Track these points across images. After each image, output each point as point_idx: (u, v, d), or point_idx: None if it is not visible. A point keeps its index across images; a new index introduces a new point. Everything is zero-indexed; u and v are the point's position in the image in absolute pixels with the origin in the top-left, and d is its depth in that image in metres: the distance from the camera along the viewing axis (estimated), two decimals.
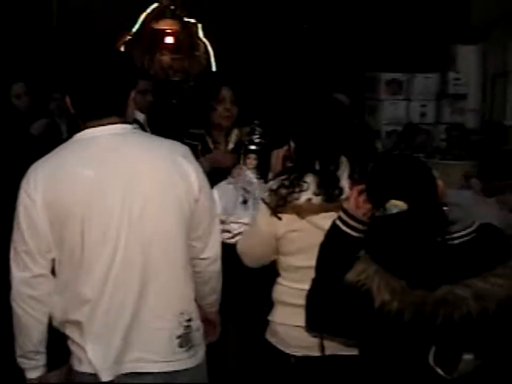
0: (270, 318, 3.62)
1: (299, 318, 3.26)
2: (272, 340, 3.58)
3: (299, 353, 3.46)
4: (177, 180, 3.02)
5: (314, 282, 3.05)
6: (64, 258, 2.98)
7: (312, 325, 3.11)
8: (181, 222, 3.04)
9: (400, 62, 10.51)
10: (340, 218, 3.06)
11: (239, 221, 4.01)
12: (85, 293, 2.94)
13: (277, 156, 3.75)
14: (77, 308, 2.96)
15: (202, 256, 3.22)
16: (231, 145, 4.99)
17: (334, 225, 3.08)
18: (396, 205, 2.82)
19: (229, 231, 3.98)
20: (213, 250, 3.25)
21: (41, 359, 3.10)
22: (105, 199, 2.92)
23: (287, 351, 3.50)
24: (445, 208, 2.85)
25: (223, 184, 4.24)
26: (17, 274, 3.00)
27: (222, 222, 3.87)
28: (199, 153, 4.77)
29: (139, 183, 2.95)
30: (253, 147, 4.57)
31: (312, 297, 3.02)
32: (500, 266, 2.69)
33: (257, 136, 4.53)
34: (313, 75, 9.77)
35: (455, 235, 2.73)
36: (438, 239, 2.71)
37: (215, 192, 4.21)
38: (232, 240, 3.90)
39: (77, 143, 3.04)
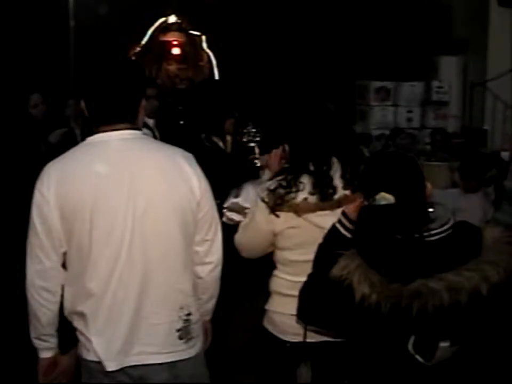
0: (266, 307, 3.59)
1: (294, 307, 3.29)
2: (269, 327, 3.56)
3: (294, 339, 3.43)
4: (179, 183, 2.98)
5: (309, 277, 3.00)
6: (73, 253, 2.94)
7: (302, 317, 3.07)
8: (181, 224, 2.98)
9: (388, 71, 10.54)
10: (339, 221, 3.02)
11: None
12: (91, 288, 2.92)
13: (274, 156, 3.76)
14: (83, 300, 2.95)
15: (206, 260, 3.15)
16: (229, 146, 5.10)
17: (333, 227, 3.03)
18: (385, 198, 2.78)
19: None
20: (216, 255, 3.18)
21: (53, 342, 3.08)
22: (110, 200, 2.88)
23: (283, 338, 3.48)
24: (430, 209, 2.84)
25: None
26: (31, 266, 2.98)
27: None
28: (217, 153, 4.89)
29: (142, 186, 2.91)
30: (252, 144, 4.66)
31: (305, 292, 2.98)
32: (472, 260, 2.67)
33: (255, 134, 4.64)
34: (307, 84, 9.78)
35: (432, 232, 2.73)
36: (416, 236, 2.72)
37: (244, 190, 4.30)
38: None
39: (88, 146, 3.00)
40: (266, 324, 3.60)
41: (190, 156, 3.10)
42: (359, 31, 10.84)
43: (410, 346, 2.68)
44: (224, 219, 4.24)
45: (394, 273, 2.64)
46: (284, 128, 3.63)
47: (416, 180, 2.88)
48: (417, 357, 2.69)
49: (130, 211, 2.90)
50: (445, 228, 2.74)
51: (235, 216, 4.34)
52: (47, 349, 3.10)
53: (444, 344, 2.68)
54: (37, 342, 3.10)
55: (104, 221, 2.89)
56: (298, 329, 3.38)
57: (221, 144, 5.05)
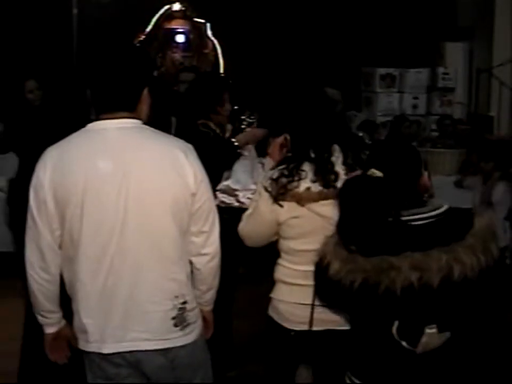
0: (271, 295, 3.59)
1: (297, 295, 3.31)
2: (273, 315, 3.55)
3: (298, 327, 3.44)
4: (173, 175, 2.96)
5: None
6: (66, 237, 2.97)
7: (319, 296, 3.12)
8: (175, 215, 2.97)
9: (394, 58, 10.51)
10: None
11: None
12: (80, 273, 2.96)
13: (275, 146, 3.73)
14: (74, 284, 2.99)
15: (203, 252, 3.12)
16: (227, 134, 5.10)
17: None
18: (374, 173, 2.82)
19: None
20: (213, 246, 3.14)
21: (55, 318, 3.12)
22: (101, 188, 2.90)
23: (287, 326, 3.47)
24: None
25: (241, 161, 4.41)
26: (28, 246, 3.02)
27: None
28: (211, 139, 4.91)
29: (135, 176, 2.91)
30: (243, 126, 4.71)
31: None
32: (452, 244, 2.65)
33: (251, 120, 4.69)
34: (312, 72, 9.74)
35: (416, 216, 2.73)
36: (389, 219, 2.69)
37: (234, 172, 4.31)
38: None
39: (87, 133, 3.00)
40: (271, 312, 3.60)
41: (189, 147, 3.08)
42: (364, 18, 10.81)
43: (394, 331, 2.68)
44: (216, 202, 4.28)
45: (360, 248, 2.65)
46: (283, 116, 3.62)
47: (409, 164, 2.89)
48: (403, 343, 2.68)
49: (122, 200, 2.91)
50: (433, 213, 2.73)
51: (226, 199, 4.38)
52: (48, 324, 3.15)
53: (430, 331, 2.66)
54: (38, 318, 3.15)
55: (95, 208, 2.91)
56: (302, 318, 3.40)
57: (218, 130, 5.04)
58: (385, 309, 2.68)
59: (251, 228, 3.57)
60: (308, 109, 3.53)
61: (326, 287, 2.78)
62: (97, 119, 3.01)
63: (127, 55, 3.08)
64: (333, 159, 3.43)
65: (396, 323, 2.67)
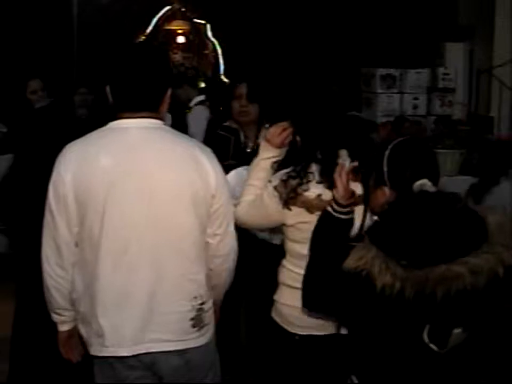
0: (275, 297, 3.53)
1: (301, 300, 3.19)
2: (277, 318, 3.49)
3: (302, 332, 3.38)
4: (194, 176, 2.96)
5: (309, 265, 2.95)
6: (85, 236, 2.95)
7: (307, 305, 3.01)
8: (195, 214, 2.98)
9: (394, 58, 10.53)
10: (331, 206, 2.96)
11: None
12: (99, 274, 2.93)
13: (275, 131, 3.55)
14: (92, 284, 2.95)
15: (217, 253, 3.14)
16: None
17: (325, 212, 2.98)
18: (424, 184, 2.76)
19: None
20: (227, 248, 3.17)
21: (69, 316, 3.10)
22: (123, 189, 2.90)
23: (291, 330, 3.42)
24: None
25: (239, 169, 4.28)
26: (46, 243, 3.01)
27: None
28: (231, 145, 4.87)
29: (156, 174, 2.92)
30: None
31: (308, 280, 2.93)
32: (484, 244, 2.60)
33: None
34: (312, 72, 9.73)
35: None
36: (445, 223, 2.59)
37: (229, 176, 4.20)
38: None
39: (108, 131, 3.00)
40: (275, 315, 3.53)
41: (208, 150, 3.10)
42: (364, 18, 10.85)
43: (425, 336, 2.62)
44: None
45: (418, 260, 2.55)
46: (292, 117, 3.51)
47: (437, 167, 2.87)
48: (432, 345, 2.63)
49: (144, 200, 2.91)
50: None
51: None
52: (63, 322, 3.14)
53: (457, 331, 2.63)
54: (53, 316, 3.15)
55: (117, 207, 2.90)
56: (306, 322, 3.33)
57: (240, 133, 4.99)
58: (422, 315, 2.62)
59: (252, 219, 3.47)
60: (319, 109, 3.43)
61: (365, 301, 2.65)
62: (119, 117, 3.00)
63: (153, 55, 3.09)
64: (340, 161, 3.33)
65: (427, 327, 2.61)
